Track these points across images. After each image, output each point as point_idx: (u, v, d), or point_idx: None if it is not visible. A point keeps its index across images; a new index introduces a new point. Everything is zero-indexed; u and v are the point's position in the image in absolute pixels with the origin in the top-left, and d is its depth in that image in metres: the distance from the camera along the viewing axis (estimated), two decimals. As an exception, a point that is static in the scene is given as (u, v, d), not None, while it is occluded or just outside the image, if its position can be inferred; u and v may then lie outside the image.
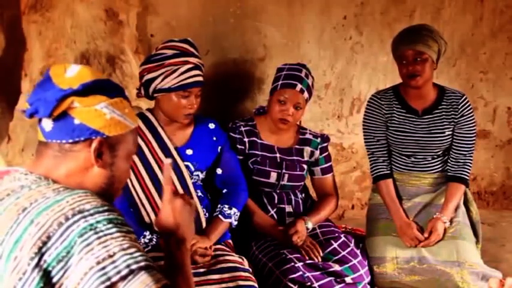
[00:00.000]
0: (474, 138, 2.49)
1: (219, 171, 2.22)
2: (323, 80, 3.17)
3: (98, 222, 0.97)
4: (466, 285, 2.19)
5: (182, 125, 2.13)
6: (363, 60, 3.25)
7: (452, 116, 2.45)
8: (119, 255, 0.96)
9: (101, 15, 2.49)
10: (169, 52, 2.01)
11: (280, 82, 2.27)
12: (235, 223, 2.14)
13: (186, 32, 2.66)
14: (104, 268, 0.94)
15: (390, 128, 2.49)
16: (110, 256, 0.95)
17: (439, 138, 2.46)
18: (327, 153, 2.44)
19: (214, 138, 2.20)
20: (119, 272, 0.94)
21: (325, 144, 2.44)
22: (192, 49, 2.06)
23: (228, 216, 2.10)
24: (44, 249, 0.95)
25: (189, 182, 2.06)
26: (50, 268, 0.95)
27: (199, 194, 2.11)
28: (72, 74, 1.10)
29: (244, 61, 2.90)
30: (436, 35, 2.34)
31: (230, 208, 2.12)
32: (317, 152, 2.41)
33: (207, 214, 2.11)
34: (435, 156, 2.50)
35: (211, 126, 2.22)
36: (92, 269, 0.93)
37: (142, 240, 1.96)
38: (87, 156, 1.11)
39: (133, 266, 0.96)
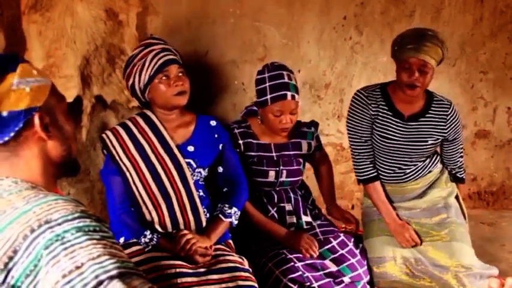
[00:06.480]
0: (462, 140, 2.49)
1: (220, 169, 2.22)
2: (323, 80, 3.17)
3: (65, 231, 0.90)
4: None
5: (183, 122, 2.14)
6: (362, 60, 3.25)
7: (440, 125, 2.37)
8: (87, 266, 0.88)
9: (101, 15, 2.49)
10: (136, 51, 2.09)
11: (268, 97, 2.18)
12: (236, 222, 2.14)
13: (185, 32, 2.67)
14: (70, 282, 0.86)
15: (374, 129, 2.39)
16: (77, 268, 0.87)
17: (420, 147, 2.37)
18: (319, 139, 2.51)
19: (216, 136, 2.20)
20: (86, 285, 0.86)
21: (317, 131, 2.49)
22: (155, 40, 2.11)
23: (229, 216, 2.10)
24: (10, 265, 0.90)
25: (190, 180, 2.06)
26: (19, 283, 0.89)
27: (201, 193, 2.11)
28: None
29: (244, 61, 2.90)
30: (443, 46, 2.21)
31: (230, 207, 2.12)
32: (313, 142, 2.45)
33: (207, 215, 2.11)
34: (417, 164, 2.43)
35: (213, 123, 2.22)
36: (58, 283, 0.86)
37: (142, 240, 1.96)
38: (36, 137, 1.06)
39: (102, 276, 0.87)
